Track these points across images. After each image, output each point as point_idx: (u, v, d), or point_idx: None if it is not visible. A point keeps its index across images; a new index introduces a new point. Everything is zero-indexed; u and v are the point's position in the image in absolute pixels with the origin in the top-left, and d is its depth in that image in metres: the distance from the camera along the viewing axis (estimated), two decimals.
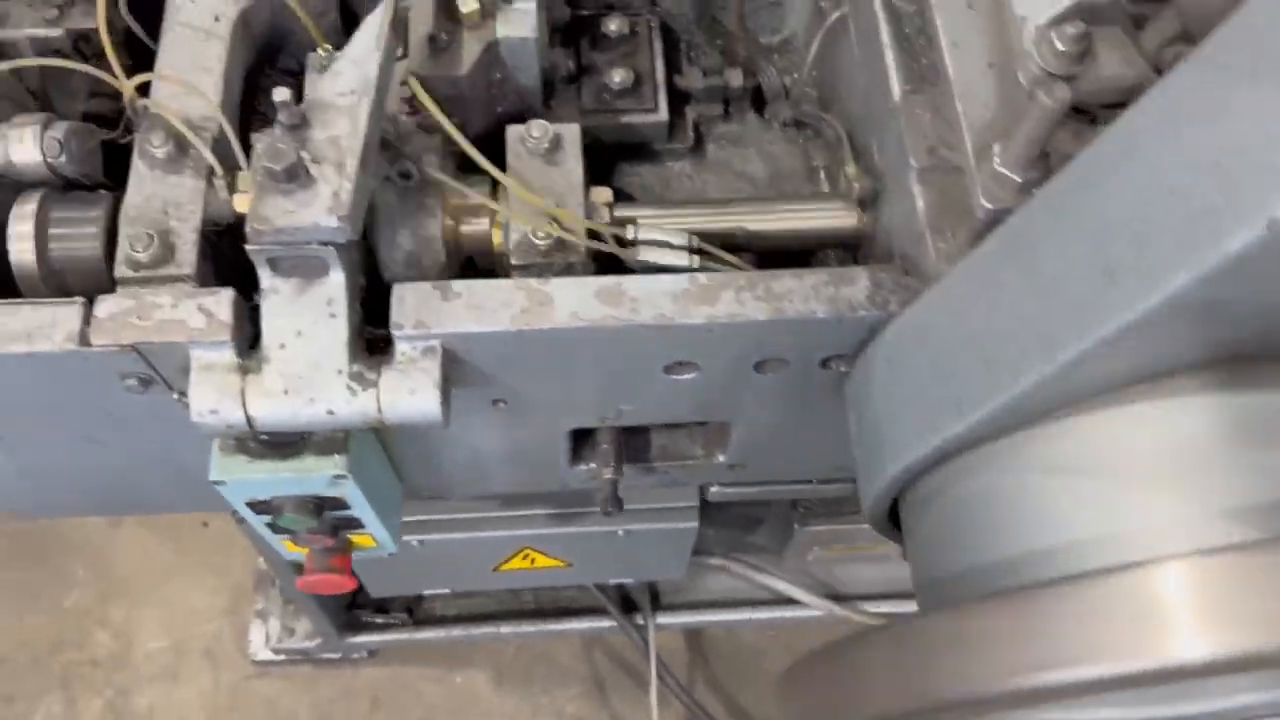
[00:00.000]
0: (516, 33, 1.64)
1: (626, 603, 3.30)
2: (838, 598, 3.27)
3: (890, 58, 1.55)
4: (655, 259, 1.51)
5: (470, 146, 1.53)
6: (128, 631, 3.47)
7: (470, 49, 1.62)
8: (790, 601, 3.22)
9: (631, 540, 2.71)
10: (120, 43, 1.72)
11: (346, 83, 1.45)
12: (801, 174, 1.92)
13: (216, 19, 1.72)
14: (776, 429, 1.83)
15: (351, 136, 1.39)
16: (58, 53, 1.92)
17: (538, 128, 1.60)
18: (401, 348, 1.45)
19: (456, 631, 3.23)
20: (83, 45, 1.93)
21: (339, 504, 1.64)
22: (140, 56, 1.76)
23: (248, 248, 1.39)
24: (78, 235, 1.57)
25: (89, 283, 1.59)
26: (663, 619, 3.26)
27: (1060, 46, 1.23)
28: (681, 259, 1.52)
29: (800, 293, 1.47)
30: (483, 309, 1.45)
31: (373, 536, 1.81)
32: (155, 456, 1.78)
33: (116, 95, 2.01)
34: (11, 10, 1.90)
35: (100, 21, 1.58)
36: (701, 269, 1.53)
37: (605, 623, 3.26)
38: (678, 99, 1.91)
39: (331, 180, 1.38)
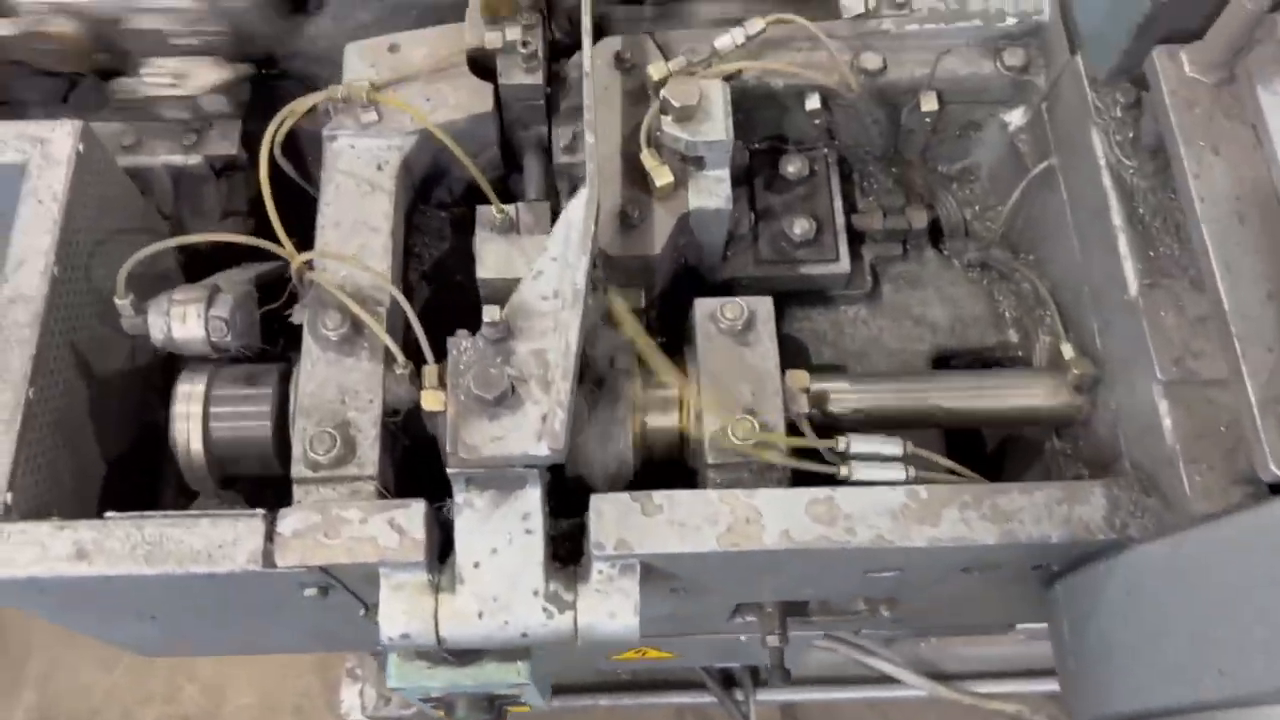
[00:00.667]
0: (710, 204, 1.51)
1: (725, 678, 3.24)
2: (939, 675, 3.19)
3: (1124, 244, 1.42)
4: (871, 476, 1.39)
5: (662, 357, 1.43)
6: (217, 686, 3.44)
7: (663, 224, 1.50)
8: (892, 680, 3.15)
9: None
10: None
11: (549, 284, 1.33)
12: (987, 320, 1.79)
13: (379, 167, 1.60)
14: (955, 599, 1.73)
15: (559, 353, 1.28)
16: (195, 178, 1.83)
17: (732, 308, 1.47)
18: (599, 567, 1.34)
19: (556, 703, 3.17)
20: (219, 166, 1.83)
21: (511, 696, 1.56)
22: (284, 187, 1.65)
23: (449, 470, 1.29)
24: (246, 416, 1.48)
25: (256, 465, 1.50)
26: (763, 695, 3.19)
27: None
28: (897, 472, 1.41)
29: (1031, 511, 1.35)
30: (686, 526, 1.34)
31: (530, 704, 1.73)
32: (305, 627, 1.70)
33: (249, 214, 1.93)
34: (145, 138, 1.80)
35: (265, 191, 1.46)
36: (918, 480, 1.42)
37: (704, 698, 3.20)
38: (854, 239, 1.78)
39: (540, 401, 1.27)
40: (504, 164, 1.78)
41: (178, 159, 1.76)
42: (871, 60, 1.65)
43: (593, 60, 1.54)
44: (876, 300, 1.80)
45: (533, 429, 1.26)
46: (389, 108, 1.62)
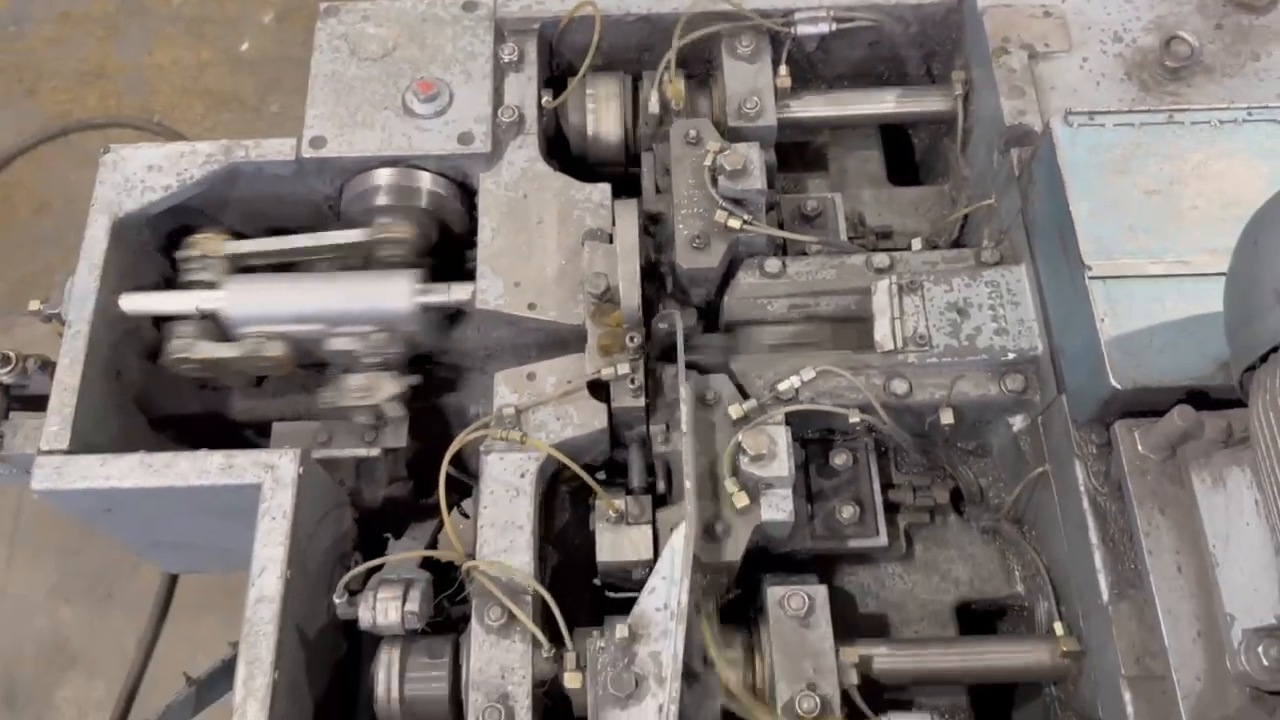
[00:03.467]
0: (779, 517, 1.99)
1: None
2: None
3: (1099, 559, 1.86)
4: None
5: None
6: None
7: (740, 535, 1.98)
8: None
9: None
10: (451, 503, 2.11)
11: (661, 598, 1.81)
12: (1001, 577, 2.23)
13: (522, 475, 2.10)
14: None
15: (670, 655, 1.75)
16: (371, 460, 2.34)
17: (796, 599, 1.94)
18: None
19: None
20: (391, 461, 2.35)
21: None
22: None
23: None
24: (429, 681, 1.97)
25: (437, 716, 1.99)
26: None
27: (1266, 663, 1.53)
28: None
29: None
30: None
31: None
32: None
33: (407, 478, 2.44)
34: (336, 434, 2.32)
35: (444, 511, 1.97)
36: None
37: None
38: (891, 506, 2.24)
39: (658, 694, 1.74)
40: (611, 446, 2.28)
41: (361, 451, 2.28)
42: (900, 386, 2.12)
43: (687, 408, 2.02)
44: (910, 559, 2.26)
45: (652, 716, 1.72)
46: (527, 424, 2.13)
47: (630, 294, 2.11)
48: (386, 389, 2.27)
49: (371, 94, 2.45)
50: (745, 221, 2.20)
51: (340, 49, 2.51)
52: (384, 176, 2.39)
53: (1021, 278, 2.18)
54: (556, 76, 2.65)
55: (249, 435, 2.57)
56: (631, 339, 2.14)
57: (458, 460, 2.19)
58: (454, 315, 2.42)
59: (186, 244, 2.39)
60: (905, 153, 2.91)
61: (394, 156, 2.38)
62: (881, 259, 2.24)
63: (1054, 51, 2.36)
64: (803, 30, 2.50)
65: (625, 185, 2.48)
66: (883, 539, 2.18)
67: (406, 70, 2.48)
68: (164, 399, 2.52)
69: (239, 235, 2.45)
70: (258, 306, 2.30)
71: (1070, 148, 2.01)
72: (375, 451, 2.29)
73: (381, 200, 2.39)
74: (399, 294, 2.29)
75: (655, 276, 2.32)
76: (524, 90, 2.49)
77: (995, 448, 2.29)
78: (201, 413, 2.57)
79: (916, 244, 2.34)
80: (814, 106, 2.55)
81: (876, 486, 2.21)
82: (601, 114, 2.51)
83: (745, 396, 2.10)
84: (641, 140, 2.52)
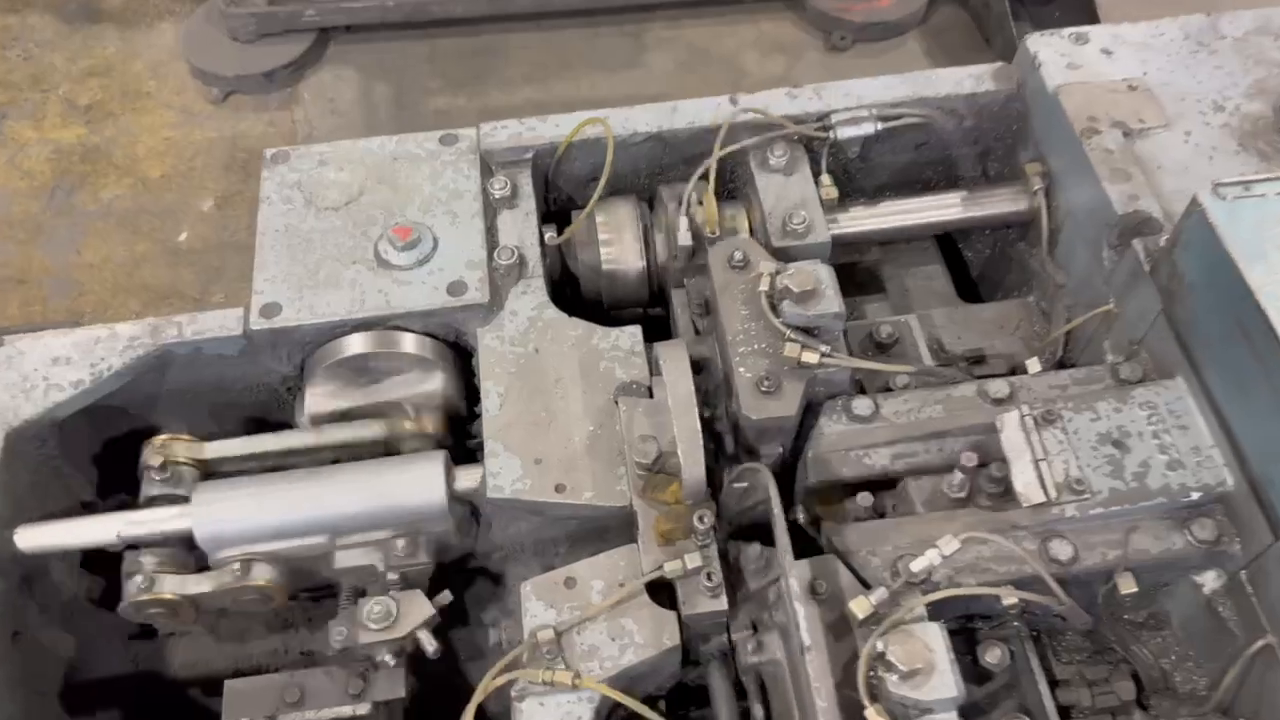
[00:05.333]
0: None
1: None
2: None
3: None
4: None
5: None
6: None
7: None
8: None
9: None
10: None
11: None
12: None
13: None
14: None
15: None
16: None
17: None
18: None
19: None
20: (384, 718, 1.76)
21: None
22: None
23: None
24: None
25: None
26: None
27: None
28: None
29: None
30: None
31: None
32: None
33: None
34: (309, 686, 1.73)
35: None
36: None
37: None
38: (1063, 711, 1.69)
39: None
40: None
41: (347, 711, 1.69)
42: (1062, 549, 1.61)
43: (791, 587, 1.49)
44: None
45: None
46: (572, 652, 1.57)
47: (693, 457, 1.62)
48: (417, 613, 1.70)
49: (335, 247, 1.99)
50: (824, 354, 1.74)
51: (293, 199, 2.07)
52: (358, 344, 1.92)
53: (1183, 395, 1.71)
54: (555, 212, 2.24)
55: (193, 694, 1.97)
56: (701, 518, 1.62)
57: (479, 709, 1.62)
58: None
59: (148, 450, 1.85)
60: (956, 268, 2.51)
61: (369, 318, 1.91)
62: (999, 386, 1.78)
63: (1151, 128, 1.99)
64: (843, 134, 2.13)
65: (650, 329, 2.03)
66: None
67: (378, 216, 2.04)
68: (85, 659, 1.93)
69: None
70: (238, 520, 1.74)
71: (1230, 224, 1.60)
72: (364, 709, 1.70)
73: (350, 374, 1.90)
74: (430, 484, 1.75)
75: (709, 436, 1.83)
76: (522, 228, 2.06)
77: (1176, 617, 1.77)
78: (132, 672, 1.98)
79: (1033, 364, 1.88)
80: (866, 219, 2.15)
81: (1045, 689, 1.66)
82: (617, 245, 2.07)
83: (864, 584, 1.58)
84: (669, 275, 2.09)
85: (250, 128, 4.74)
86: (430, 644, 1.69)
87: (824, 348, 1.74)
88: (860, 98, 2.16)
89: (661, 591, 1.65)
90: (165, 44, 4.91)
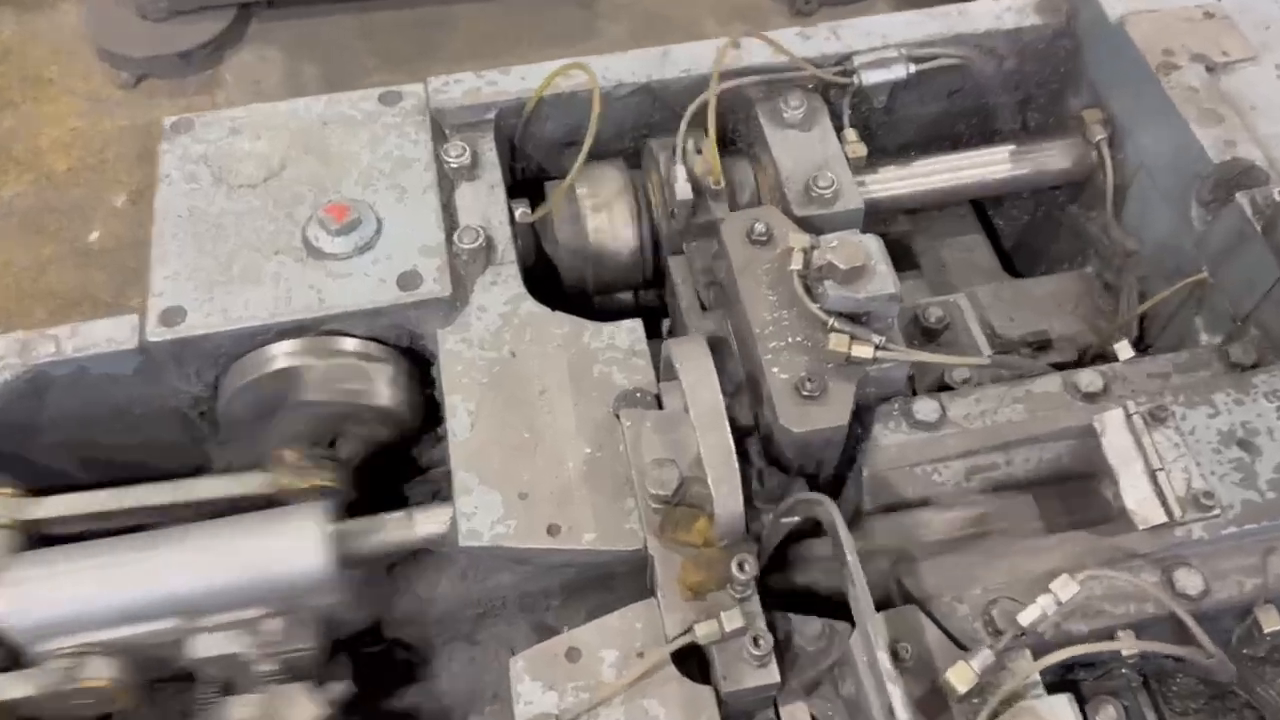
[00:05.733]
0: None
1: None
2: None
3: None
4: None
5: None
6: None
7: None
8: None
9: None
10: None
11: None
12: None
13: None
14: None
15: None
16: None
17: None
18: None
19: None
20: None
21: None
22: None
23: None
24: None
25: None
26: None
27: None
28: None
29: None
30: None
31: None
32: None
33: None
34: None
35: None
36: None
37: None
38: None
39: None
40: None
41: None
42: (1191, 582, 1.28)
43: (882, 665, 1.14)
44: None
45: None
46: None
47: (728, 486, 1.26)
48: (298, 715, 1.32)
49: (254, 234, 1.59)
50: (879, 346, 1.39)
51: (199, 177, 1.67)
52: (286, 355, 1.53)
53: None
54: (523, 183, 1.86)
55: None
56: (741, 565, 1.27)
57: None
58: (408, 562, 1.52)
59: None
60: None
61: (299, 321, 1.52)
62: (1090, 378, 1.44)
63: (1236, 61, 1.67)
64: (869, 79, 1.78)
65: (648, 319, 1.67)
66: None
67: (305, 194, 1.64)
68: None
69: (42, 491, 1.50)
70: (61, 602, 1.33)
71: None
72: None
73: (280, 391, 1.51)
74: (306, 546, 1.36)
75: None
76: (486, 203, 1.68)
77: None
78: None
79: (1124, 349, 1.55)
80: (899, 181, 1.80)
81: None
82: (605, 216, 1.70)
83: (955, 641, 1.23)
84: (666, 241, 1.73)
85: (166, 115, 4.28)
86: None
87: (878, 338, 1.39)
88: (885, 37, 1.80)
89: (689, 658, 1.30)
90: (68, 24, 4.40)
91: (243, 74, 4.20)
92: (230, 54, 4.19)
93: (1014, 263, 2.16)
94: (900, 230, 1.94)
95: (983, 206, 2.13)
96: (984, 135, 2.00)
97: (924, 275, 1.90)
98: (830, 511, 1.23)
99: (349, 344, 1.52)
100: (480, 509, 1.38)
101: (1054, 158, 1.84)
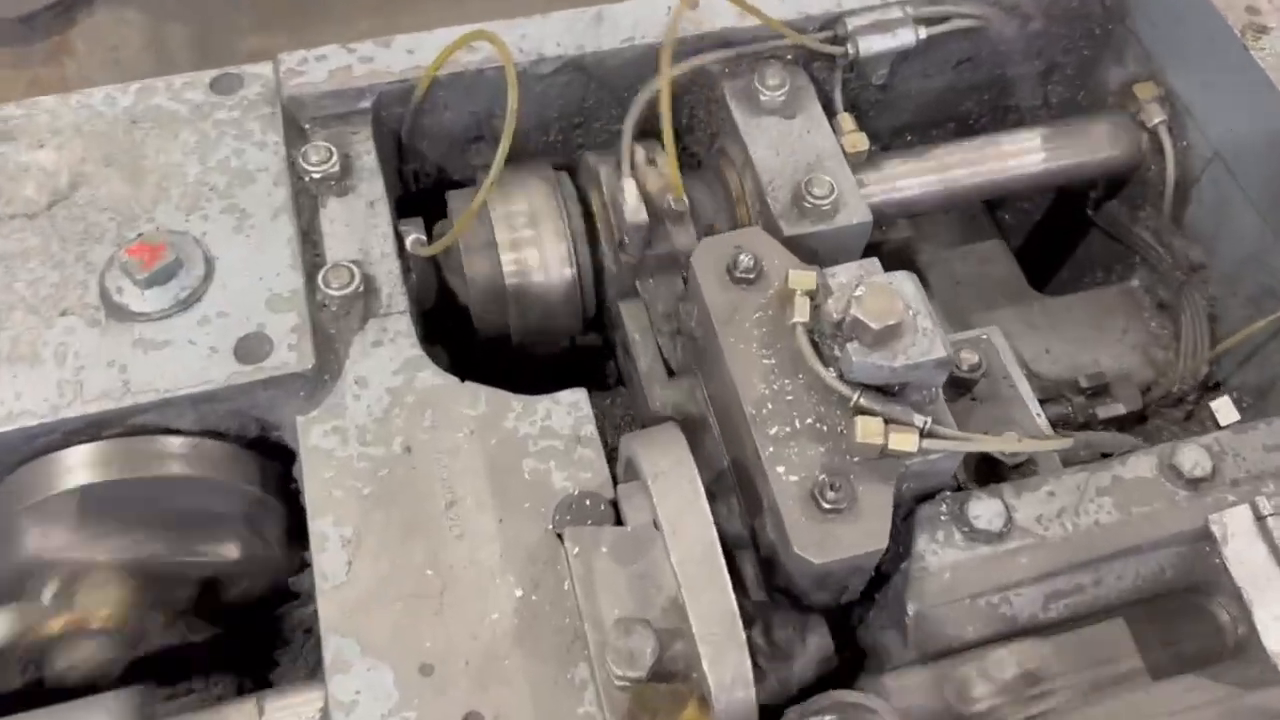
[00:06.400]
0: None
1: None
2: None
3: None
4: None
5: None
6: None
7: None
8: None
9: None
10: None
11: None
12: None
13: None
14: None
15: None
16: None
17: None
18: None
19: None
20: None
21: None
22: None
23: None
24: None
25: None
26: None
27: None
28: None
29: None
30: None
31: None
32: None
33: None
34: None
35: None
36: None
37: None
38: None
39: None
40: None
41: None
42: None
43: None
44: None
45: None
46: None
47: (729, 667, 0.86)
48: None
49: (29, 287, 1.11)
50: (926, 431, 1.00)
51: None
52: (83, 467, 1.07)
53: None
54: (418, 195, 1.41)
55: None
56: None
57: None
58: None
59: None
60: None
61: (94, 416, 1.07)
62: (1194, 457, 1.07)
63: None
64: (868, 47, 1.37)
65: (586, 370, 1.26)
66: None
67: (107, 227, 1.17)
68: None
69: None
70: None
71: None
72: None
73: (71, 523, 1.05)
74: None
75: None
76: (365, 229, 1.21)
77: None
78: None
79: (1225, 408, 1.20)
80: (908, 179, 1.40)
81: None
82: (531, 246, 1.26)
83: None
84: (612, 278, 1.32)
85: (7, 90, 3.66)
86: None
87: (921, 419, 1.00)
88: None
89: None
90: None
91: (97, 39, 3.59)
92: (81, 16, 3.58)
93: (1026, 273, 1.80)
94: (899, 238, 1.55)
95: (990, 203, 1.76)
96: (995, 114, 1.61)
97: (935, 298, 1.51)
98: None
99: (173, 445, 1.08)
100: (364, 695, 0.94)
101: (1099, 144, 1.46)
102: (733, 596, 0.86)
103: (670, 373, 1.23)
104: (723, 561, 0.87)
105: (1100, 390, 1.36)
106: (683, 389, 1.20)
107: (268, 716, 0.96)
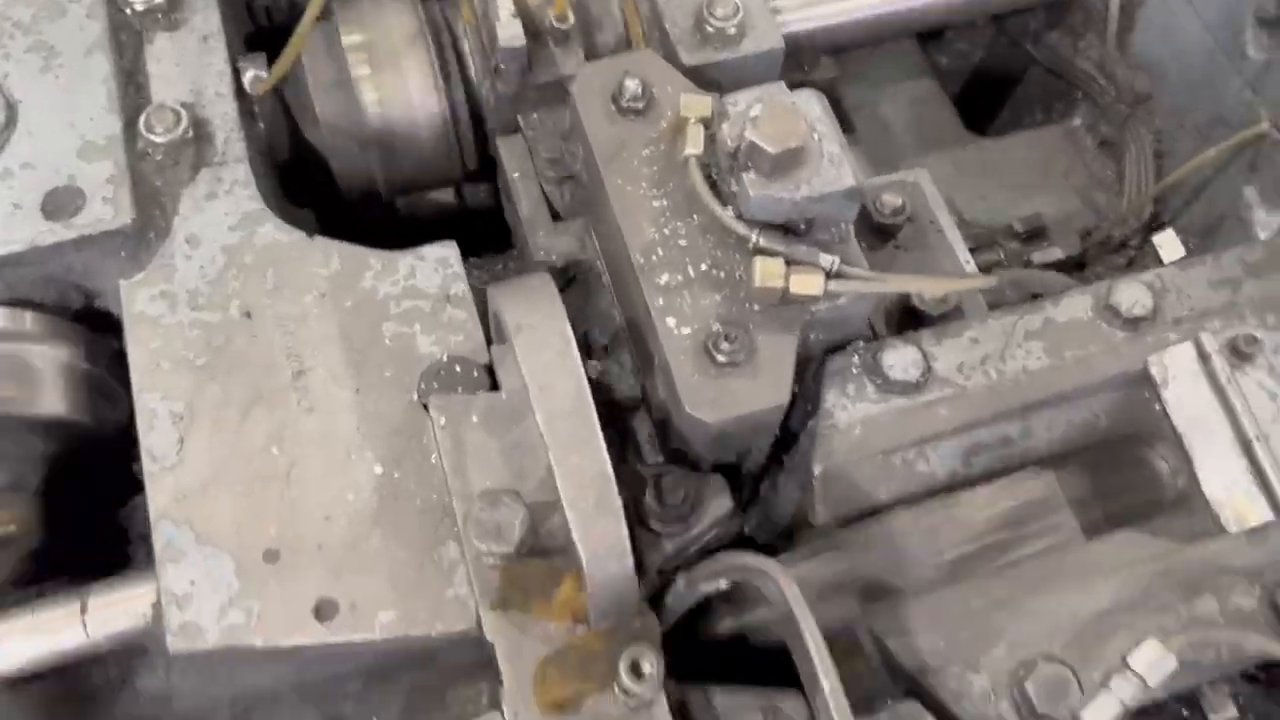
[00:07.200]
0: None
1: None
2: None
3: None
4: None
5: None
6: None
7: None
8: None
9: None
10: None
11: None
12: None
13: None
14: None
15: None
16: None
17: None
18: None
19: None
20: None
21: None
22: None
23: None
24: None
25: None
26: None
27: None
28: None
29: None
30: None
31: None
32: None
33: None
34: None
35: None
36: None
37: None
38: None
39: None
40: None
41: None
42: None
43: None
44: None
45: None
46: None
47: (604, 543, 0.76)
48: None
49: None
50: (833, 273, 0.88)
51: None
52: None
53: None
54: (266, 32, 1.24)
55: None
56: (637, 668, 0.77)
57: None
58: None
59: None
60: None
61: None
62: (1132, 293, 0.97)
63: None
64: None
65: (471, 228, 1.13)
66: None
67: None
68: None
69: None
70: None
71: None
72: None
73: None
74: None
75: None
76: (197, 66, 1.05)
77: None
78: None
79: (1169, 242, 1.09)
80: (832, 3, 1.26)
81: None
82: (390, 74, 1.09)
83: None
84: (490, 113, 1.14)
85: None
86: None
87: (828, 259, 0.88)
88: None
89: None
90: None
91: None
92: None
93: (962, 116, 1.67)
94: (824, 78, 1.40)
95: (922, 40, 1.61)
96: None
97: (861, 142, 1.37)
98: (784, 590, 0.73)
99: None
100: (200, 585, 0.83)
101: None
102: (606, 457, 0.75)
103: (555, 217, 1.10)
104: (595, 419, 0.76)
105: (1036, 234, 1.25)
106: (571, 235, 1.06)
107: (92, 614, 0.85)
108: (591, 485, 0.75)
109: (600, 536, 0.74)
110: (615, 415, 1.05)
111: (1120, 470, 0.99)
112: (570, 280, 1.11)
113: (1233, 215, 1.20)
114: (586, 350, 1.02)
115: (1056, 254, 1.23)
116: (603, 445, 0.76)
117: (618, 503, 0.75)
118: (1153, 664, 0.74)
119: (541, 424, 0.77)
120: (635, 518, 0.97)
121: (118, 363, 1.02)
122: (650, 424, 0.98)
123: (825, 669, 0.72)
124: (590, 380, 0.86)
